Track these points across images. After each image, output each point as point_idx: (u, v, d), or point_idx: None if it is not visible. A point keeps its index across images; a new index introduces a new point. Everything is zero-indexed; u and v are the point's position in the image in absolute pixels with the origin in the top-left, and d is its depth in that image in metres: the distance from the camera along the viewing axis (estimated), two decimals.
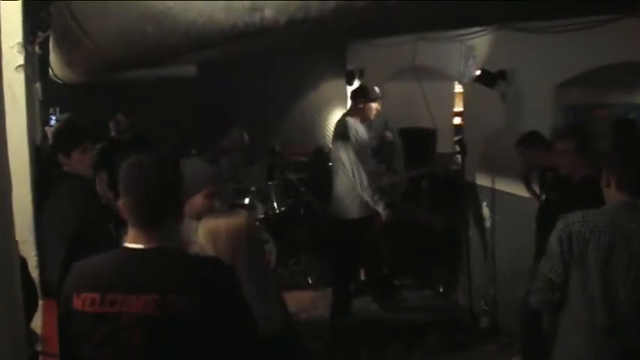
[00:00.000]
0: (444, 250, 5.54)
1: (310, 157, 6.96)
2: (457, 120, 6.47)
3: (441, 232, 5.45)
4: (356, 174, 4.66)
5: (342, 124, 4.81)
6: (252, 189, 5.99)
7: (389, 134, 5.15)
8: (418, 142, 5.38)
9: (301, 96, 7.54)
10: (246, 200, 5.92)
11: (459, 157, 5.28)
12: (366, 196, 4.70)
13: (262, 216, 5.94)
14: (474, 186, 5.16)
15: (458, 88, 6.17)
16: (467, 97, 5.46)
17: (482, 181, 5.05)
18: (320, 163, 6.69)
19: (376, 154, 4.98)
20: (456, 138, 5.98)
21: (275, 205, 6.02)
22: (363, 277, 5.57)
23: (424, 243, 5.60)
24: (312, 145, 7.23)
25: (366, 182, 4.68)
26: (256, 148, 6.17)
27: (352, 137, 4.69)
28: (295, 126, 7.41)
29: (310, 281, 5.80)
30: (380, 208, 4.70)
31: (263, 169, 6.46)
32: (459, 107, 6.29)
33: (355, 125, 4.79)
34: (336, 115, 7.35)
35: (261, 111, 6.99)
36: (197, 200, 2.46)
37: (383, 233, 5.07)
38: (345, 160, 4.70)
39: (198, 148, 5.75)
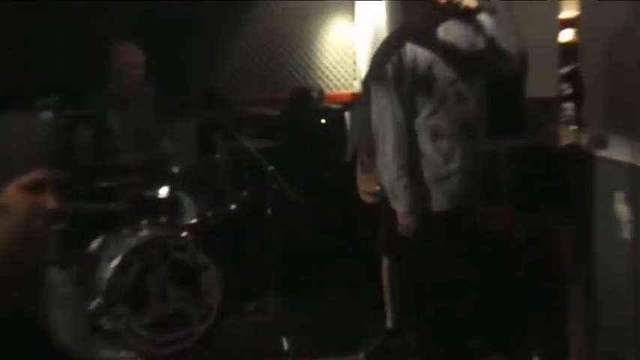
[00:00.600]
0: (539, 287, 4.99)
1: (284, 108, 6.49)
2: (567, 34, 5.92)
3: (529, 252, 4.96)
4: (380, 135, 4.50)
5: (386, 42, 4.65)
6: (175, 170, 5.25)
7: (487, 32, 4.63)
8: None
9: None
10: (163, 191, 5.14)
11: (570, 105, 4.79)
12: (385, 177, 4.52)
13: (194, 221, 5.19)
14: (598, 161, 4.59)
15: None
16: None
17: (615, 152, 4.38)
18: (302, 119, 6.48)
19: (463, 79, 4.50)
20: (565, 69, 5.36)
21: (218, 199, 5.36)
22: (390, 327, 4.95)
23: (499, 271, 4.97)
24: (288, 85, 6.77)
25: (390, 154, 4.39)
26: (180, 92, 5.99)
27: (396, 70, 4.45)
28: (256, 51, 6.85)
29: (285, 345, 4.94)
30: (399, 206, 4.42)
31: (193, 131, 6.17)
32: (569, 11, 5.79)
33: (412, 44, 4.48)
34: (334, 32, 7.18)
35: (188, 21, 6.42)
36: (8, 195, 2.10)
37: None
38: (374, 109, 4.59)
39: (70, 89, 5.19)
